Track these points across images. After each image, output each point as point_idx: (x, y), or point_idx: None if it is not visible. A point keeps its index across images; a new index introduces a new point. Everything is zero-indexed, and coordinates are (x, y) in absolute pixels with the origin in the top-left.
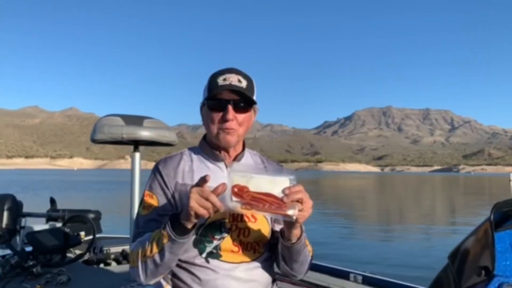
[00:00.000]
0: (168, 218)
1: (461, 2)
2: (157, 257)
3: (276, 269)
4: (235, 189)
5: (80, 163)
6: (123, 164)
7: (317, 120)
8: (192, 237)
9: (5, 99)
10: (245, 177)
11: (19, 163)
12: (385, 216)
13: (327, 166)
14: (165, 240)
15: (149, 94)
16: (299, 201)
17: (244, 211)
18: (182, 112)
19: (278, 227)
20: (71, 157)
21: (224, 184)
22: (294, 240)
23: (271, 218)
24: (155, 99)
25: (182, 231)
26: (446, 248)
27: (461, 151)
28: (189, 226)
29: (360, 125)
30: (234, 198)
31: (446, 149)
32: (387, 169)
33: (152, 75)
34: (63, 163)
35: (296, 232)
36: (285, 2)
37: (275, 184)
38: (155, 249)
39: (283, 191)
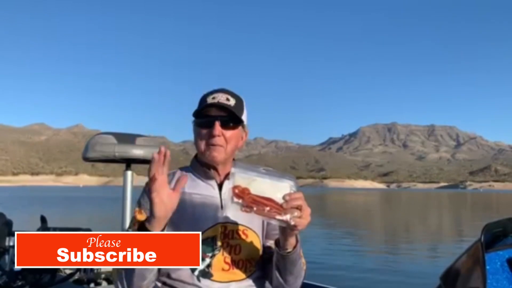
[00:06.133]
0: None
1: (467, 16)
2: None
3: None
4: (236, 190)
5: (85, 180)
6: None
7: (321, 136)
8: None
9: (12, 116)
10: (248, 179)
11: (25, 180)
12: (390, 235)
13: (332, 183)
14: None
15: (155, 111)
16: (298, 208)
17: (244, 214)
18: (187, 129)
19: (269, 243)
20: (76, 174)
21: (185, 176)
22: (289, 249)
23: (263, 235)
24: (160, 116)
25: None
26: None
27: (467, 168)
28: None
29: (365, 142)
30: (235, 199)
31: (452, 165)
32: (393, 186)
33: (157, 92)
34: (69, 180)
35: (292, 240)
36: (288, 18)
37: (276, 189)
38: None
39: (283, 197)
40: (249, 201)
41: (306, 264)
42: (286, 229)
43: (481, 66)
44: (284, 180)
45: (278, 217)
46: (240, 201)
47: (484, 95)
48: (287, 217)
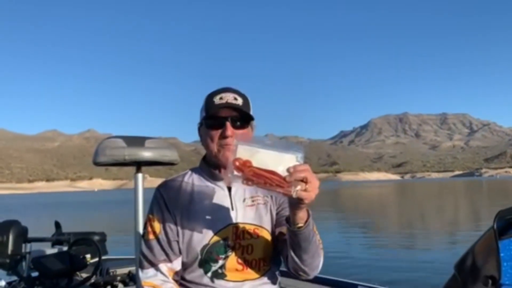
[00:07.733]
0: None
1: (478, 3)
2: None
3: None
4: (237, 163)
5: (99, 184)
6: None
7: (332, 130)
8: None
9: (25, 124)
10: (250, 151)
11: (41, 186)
12: (406, 225)
13: (346, 176)
14: None
15: (166, 113)
16: (304, 180)
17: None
18: (197, 129)
19: (281, 228)
20: (90, 178)
21: None
22: (301, 224)
23: (273, 229)
24: (172, 117)
25: None
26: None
27: (482, 155)
28: None
29: (377, 133)
30: (236, 173)
31: (466, 153)
32: (407, 176)
33: (168, 94)
34: (83, 185)
35: (301, 214)
36: (298, 15)
37: (281, 161)
38: None
39: (287, 170)
40: (249, 174)
41: (322, 243)
42: (294, 203)
43: (492, 53)
44: (290, 151)
45: (280, 190)
46: (240, 174)
47: (497, 81)
48: (290, 190)
